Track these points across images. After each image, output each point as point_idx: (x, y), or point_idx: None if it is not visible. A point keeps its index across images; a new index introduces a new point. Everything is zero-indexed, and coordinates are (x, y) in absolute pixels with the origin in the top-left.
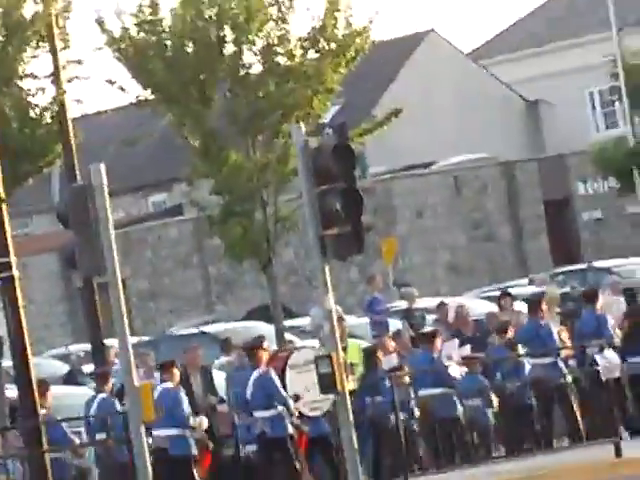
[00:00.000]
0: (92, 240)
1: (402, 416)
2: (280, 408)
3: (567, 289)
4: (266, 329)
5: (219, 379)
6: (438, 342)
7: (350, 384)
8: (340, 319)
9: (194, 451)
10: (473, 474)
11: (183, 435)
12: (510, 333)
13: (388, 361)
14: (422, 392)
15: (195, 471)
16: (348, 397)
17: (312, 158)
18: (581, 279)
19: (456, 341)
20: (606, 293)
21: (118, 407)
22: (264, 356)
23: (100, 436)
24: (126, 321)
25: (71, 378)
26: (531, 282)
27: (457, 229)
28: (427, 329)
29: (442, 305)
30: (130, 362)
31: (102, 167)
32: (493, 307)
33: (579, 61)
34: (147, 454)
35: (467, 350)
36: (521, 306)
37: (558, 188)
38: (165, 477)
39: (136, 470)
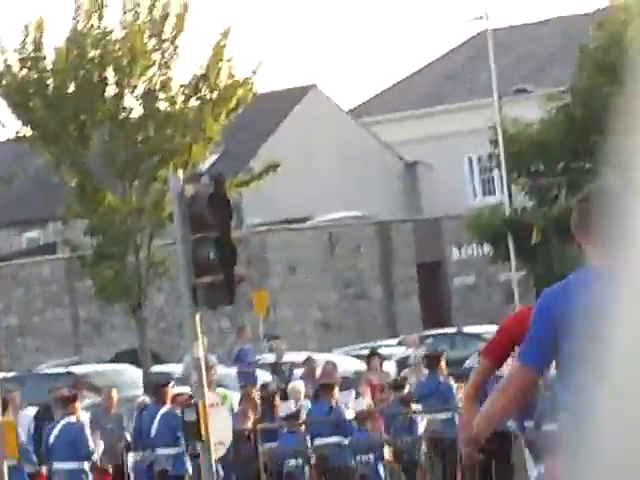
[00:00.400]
0: None
1: (297, 462)
2: (183, 446)
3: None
4: (134, 373)
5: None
6: (336, 392)
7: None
8: (210, 368)
9: None
10: None
11: (83, 469)
12: (406, 389)
13: (286, 407)
14: (318, 441)
15: None
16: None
17: (188, 205)
18: (450, 343)
19: (353, 392)
20: (476, 359)
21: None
22: (169, 394)
23: None
24: None
25: None
26: (401, 343)
27: (329, 286)
28: (295, 383)
29: (309, 360)
30: None
31: None
32: (361, 365)
33: (459, 125)
34: None
35: (362, 404)
36: (389, 366)
37: (432, 251)
38: None
39: None
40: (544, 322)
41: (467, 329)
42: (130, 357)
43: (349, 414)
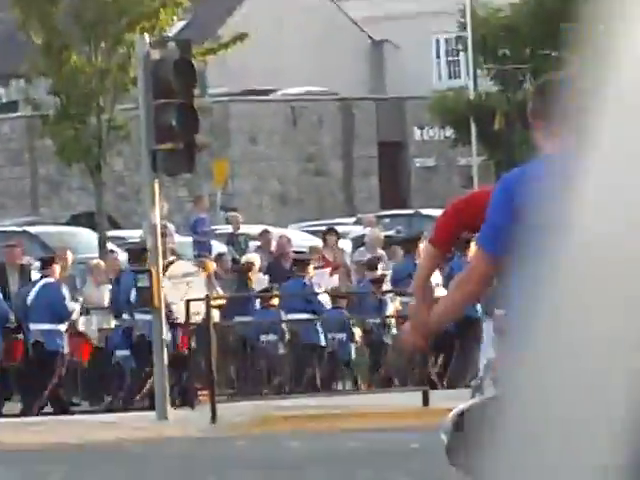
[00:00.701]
0: None
1: (271, 338)
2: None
3: (392, 232)
4: (89, 236)
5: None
6: (311, 269)
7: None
8: (164, 235)
9: (66, 345)
10: (319, 403)
11: (59, 330)
12: (379, 270)
13: (259, 281)
14: (290, 316)
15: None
16: (163, 313)
17: (153, 70)
18: (407, 224)
19: (327, 270)
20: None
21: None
22: (58, 269)
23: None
24: None
25: None
26: (358, 222)
27: (289, 159)
28: (249, 255)
29: (265, 233)
30: None
31: None
32: (317, 241)
33: (429, 6)
34: None
35: (335, 281)
36: (345, 244)
37: (394, 131)
38: (40, 370)
39: None
40: (502, 208)
41: (425, 211)
42: (87, 220)
43: (324, 297)
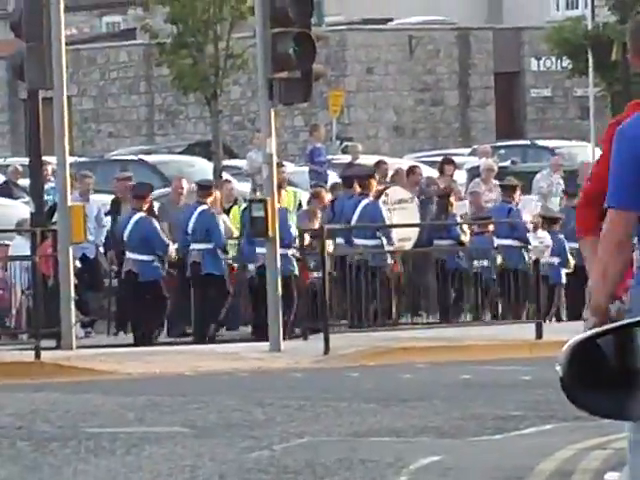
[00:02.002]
0: (42, 53)
1: (481, 264)
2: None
3: (507, 163)
4: (204, 165)
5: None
6: (517, 194)
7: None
8: (279, 165)
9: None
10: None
11: (156, 262)
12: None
13: (461, 207)
14: (499, 242)
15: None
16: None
17: None
18: (522, 155)
19: (533, 197)
20: (546, 172)
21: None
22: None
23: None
24: (67, 140)
25: (5, 190)
26: (473, 152)
27: (405, 90)
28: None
29: (381, 164)
30: (66, 181)
31: None
32: (432, 172)
33: None
34: (72, 274)
35: (537, 209)
36: (460, 175)
37: (511, 61)
38: (135, 300)
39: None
40: (626, 162)
41: (540, 142)
42: (202, 149)
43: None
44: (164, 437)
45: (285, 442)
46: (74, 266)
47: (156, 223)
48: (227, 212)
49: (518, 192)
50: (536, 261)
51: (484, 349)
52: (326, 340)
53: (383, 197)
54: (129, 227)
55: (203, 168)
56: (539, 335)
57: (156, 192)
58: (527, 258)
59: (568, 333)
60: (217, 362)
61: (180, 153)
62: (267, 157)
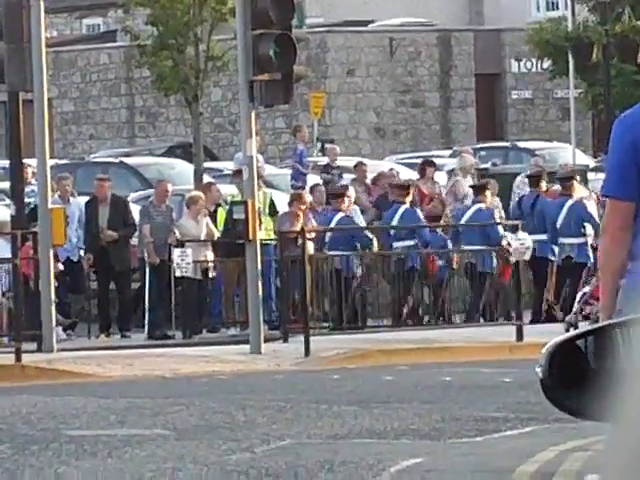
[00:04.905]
0: (23, 55)
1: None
2: None
3: (488, 165)
4: (185, 167)
5: (135, 212)
6: (489, 194)
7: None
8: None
9: None
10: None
11: None
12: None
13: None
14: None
15: None
16: (258, 245)
17: (251, 0)
18: (503, 157)
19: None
20: (524, 175)
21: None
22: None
23: None
24: (47, 142)
25: None
26: (454, 154)
27: (386, 91)
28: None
29: (360, 165)
30: (46, 184)
31: None
32: (412, 174)
33: None
34: (52, 275)
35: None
36: (440, 176)
37: (492, 63)
38: None
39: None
40: (622, 149)
41: (521, 144)
42: (183, 151)
43: None
44: (145, 439)
45: (266, 444)
46: (56, 269)
47: None
48: (213, 214)
49: (489, 192)
50: (517, 263)
51: (465, 351)
52: (307, 342)
53: None
54: None
55: (184, 170)
56: (519, 337)
57: (136, 194)
58: (495, 261)
59: (548, 335)
60: (198, 364)
61: (161, 155)
62: (248, 159)
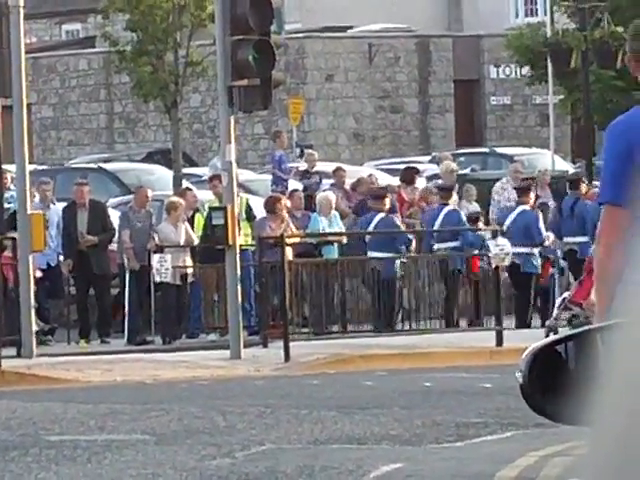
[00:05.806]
0: (2, 60)
1: None
2: None
3: (467, 171)
4: (164, 173)
5: (114, 217)
6: (454, 196)
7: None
8: None
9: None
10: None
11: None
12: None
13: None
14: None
15: None
16: (238, 250)
17: (230, 6)
18: (482, 163)
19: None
20: (504, 180)
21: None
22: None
23: None
24: (26, 147)
25: None
26: (433, 160)
27: (365, 97)
28: (325, 193)
29: (339, 170)
30: (26, 189)
31: None
32: (391, 179)
33: None
34: (32, 280)
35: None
36: (420, 182)
37: (470, 69)
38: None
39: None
40: (617, 156)
41: (500, 150)
42: (162, 157)
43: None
44: (125, 445)
45: (246, 449)
46: (35, 275)
47: None
48: (190, 220)
49: (455, 194)
50: (496, 268)
51: (445, 356)
52: (286, 348)
53: None
54: None
55: (163, 176)
56: (499, 342)
57: (116, 200)
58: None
59: (528, 340)
60: (177, 370)
61: (140, 161)
62: (227, 164)
